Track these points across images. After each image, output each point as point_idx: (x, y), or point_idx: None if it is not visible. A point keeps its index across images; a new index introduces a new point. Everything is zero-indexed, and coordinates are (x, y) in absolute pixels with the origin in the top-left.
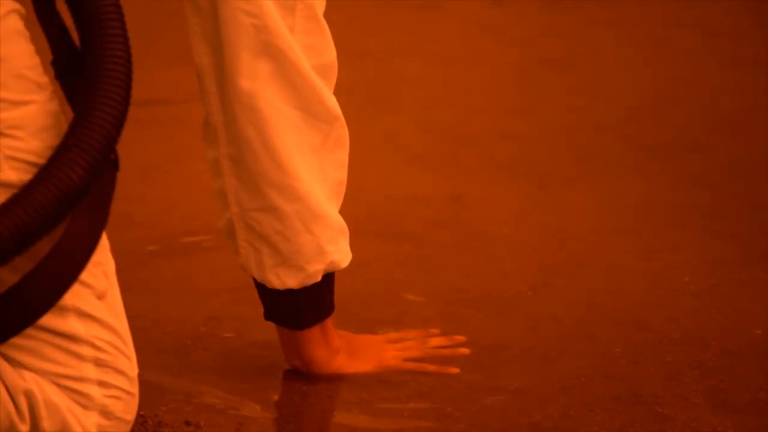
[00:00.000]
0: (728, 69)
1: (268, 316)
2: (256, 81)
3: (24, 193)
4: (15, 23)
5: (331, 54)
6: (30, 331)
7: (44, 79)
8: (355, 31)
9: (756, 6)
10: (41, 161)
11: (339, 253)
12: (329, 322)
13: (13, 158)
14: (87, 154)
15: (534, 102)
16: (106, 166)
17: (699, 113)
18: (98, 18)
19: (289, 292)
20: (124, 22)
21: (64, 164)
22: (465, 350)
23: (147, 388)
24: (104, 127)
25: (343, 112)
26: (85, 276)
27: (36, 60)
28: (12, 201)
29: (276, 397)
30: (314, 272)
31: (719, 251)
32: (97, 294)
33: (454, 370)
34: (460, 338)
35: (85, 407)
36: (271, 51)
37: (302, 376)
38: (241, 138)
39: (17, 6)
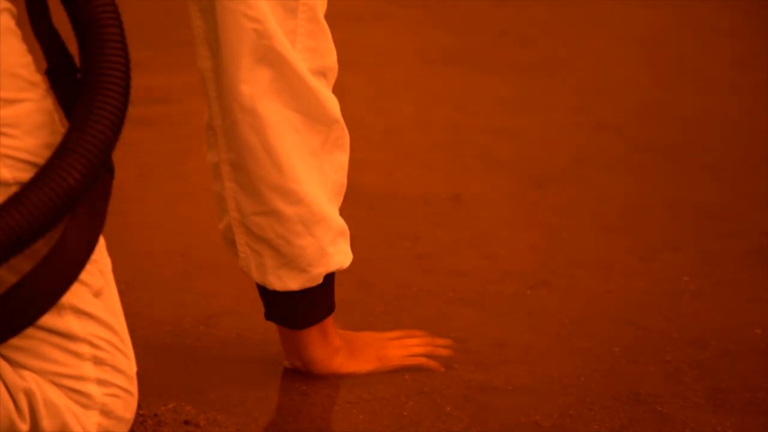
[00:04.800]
0: (729, 69)
1: (268, 316)
2: (256, 85)
3: (20, 195)
4: (6, 22)
5: (332, 56)
6: (27, 330)
7: (37, 77)
8: (355, 31)
9: (756, 6)
10: (36, 159)
11: (340, 254)
12: (329, 321)
13: (8, 156)
14: (84, 158)
15: (533, 101)
16: (103, 172)
17: (699, 113)
18: (96, 22)
19: (290, 293)
20: (122, 26)
21: (60, 168)
22: (465, 351)
23: (147, 387)
24: (102, 131)
25: (343, 112)
26: (81, 274)
27: (28, 58)
28: (8, 203)
29: (276, 397)
30: (316, 275)
31: (719, 251)
32: (94, 292)
33: (451, 369)
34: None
35: (84, 407)
36: (271, 56)
37: (302, 376)
38: (241, 142)
39: (8, 5)
